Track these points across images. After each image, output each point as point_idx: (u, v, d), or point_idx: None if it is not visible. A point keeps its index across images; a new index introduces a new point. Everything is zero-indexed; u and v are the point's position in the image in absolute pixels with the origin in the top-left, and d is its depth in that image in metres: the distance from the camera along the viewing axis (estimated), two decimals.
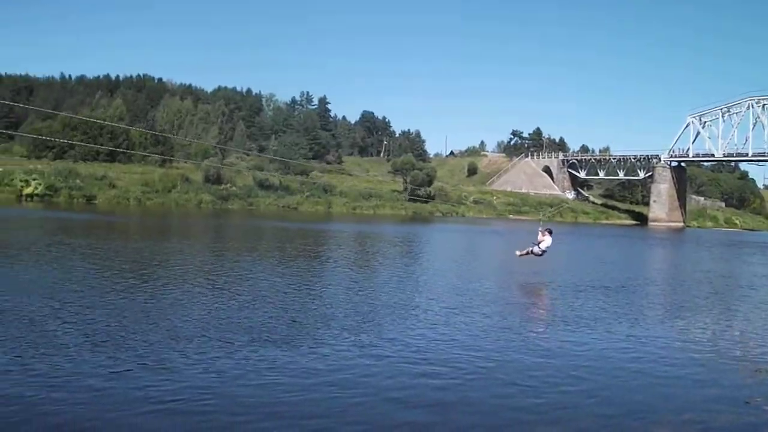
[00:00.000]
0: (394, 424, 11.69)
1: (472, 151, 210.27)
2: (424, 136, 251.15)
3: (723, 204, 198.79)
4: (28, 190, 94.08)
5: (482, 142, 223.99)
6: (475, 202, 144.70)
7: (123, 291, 23.35)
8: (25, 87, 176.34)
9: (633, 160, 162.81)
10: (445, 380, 14.35)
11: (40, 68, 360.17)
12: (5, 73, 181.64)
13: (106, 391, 12.45)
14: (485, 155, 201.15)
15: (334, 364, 15.12)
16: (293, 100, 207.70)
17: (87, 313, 18.98)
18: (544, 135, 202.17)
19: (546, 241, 29.93)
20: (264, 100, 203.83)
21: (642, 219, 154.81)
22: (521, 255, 31.27)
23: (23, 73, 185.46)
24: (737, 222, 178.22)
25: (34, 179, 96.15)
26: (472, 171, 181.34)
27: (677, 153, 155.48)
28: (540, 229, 30.47)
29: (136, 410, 11.66)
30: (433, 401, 12.96)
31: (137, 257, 34.66)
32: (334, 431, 11.28)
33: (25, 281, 24.43)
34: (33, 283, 23.89)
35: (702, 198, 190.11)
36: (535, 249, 30.25)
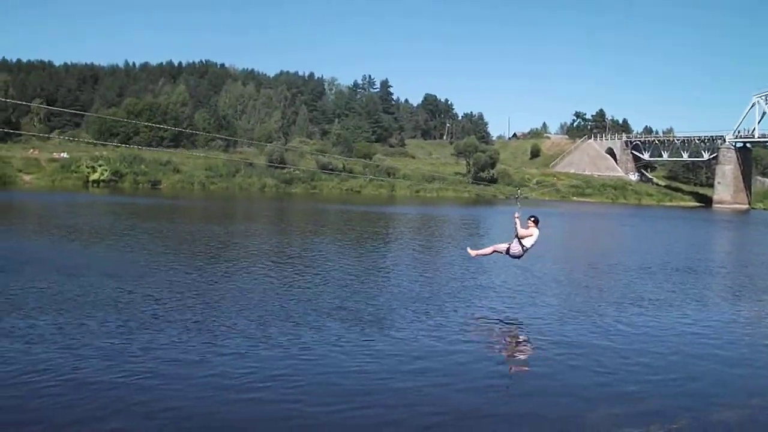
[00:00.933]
0: (475, 414, 11.37)
1: (534, 133, 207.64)
2: (486, 118, 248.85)
3: None
4: (94, 176, 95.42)
5: (545, 124, 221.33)
6: (538, 184, 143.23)
7: (202, 275, 23.64)
8: (90, 75, 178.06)
9: (697, 141, 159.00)
10: (518, 366, 14.35)
11: (105, 57, 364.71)
12: (71, 62, 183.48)
13: (198, 379, 12.31)
14: (548, 137, 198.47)
15: (416, 350, 14.94)
16: (355, 84, 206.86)
17: (172, 297, 19.24)
18: (607, 116, 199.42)
19: (532, 236, 19.12)
20: (326, 84, 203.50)
21: (706, 201, 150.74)
22: (478, 255, 20.86)
23: (88, 62, 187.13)
24: None
25: (100, 165, 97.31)
26: (535, 153, 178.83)
27: (742, 134, 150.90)
28: (517, 214, 18.89)
29: (225, 398, 11.49)
30: (512, 390, 12.80)
31: (210, 241, 35.02)
32: (419, 421, 10.93)
33: (109, 265, 24.78)
34: (117, 267, 24.27)
35: None
36: (514, 248, 19.17)
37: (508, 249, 19.32)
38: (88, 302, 17.86)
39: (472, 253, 20.62)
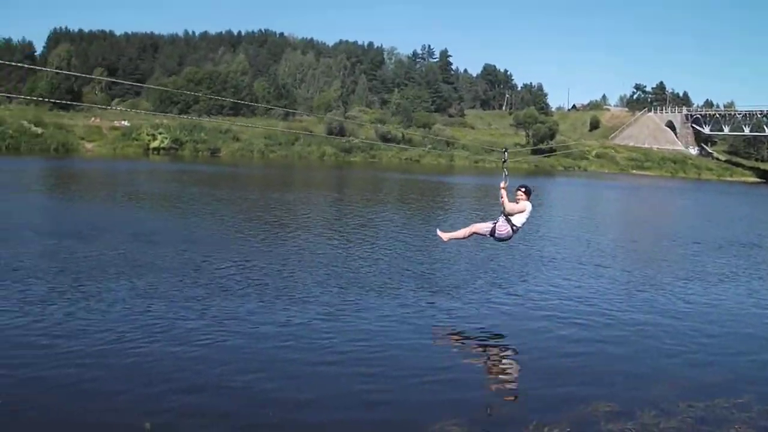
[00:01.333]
0: (543, 386, 11.45)
1: (594, 105, 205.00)
2: (546, 89, 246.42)
3: None
4: (154, 144, 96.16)
5: (604, 96, 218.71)
6: (597, 156, 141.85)
7: (272, 242, 24.30)
8: (150, 44, 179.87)
9: (759, 115, 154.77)
10: (584, 339, 14.21)
11: (165, 26, 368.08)
12: (131, 31, 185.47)
13: (274, 349, 12.47)
14: (607, 109, 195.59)
15: (488, 323, 15.11)
16: (414, 54, 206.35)
17: (244, 265, 19.56)
18: (667, 89, 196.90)
19: (523, 211, 15.11)
20: (385, 53, 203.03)
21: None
22: (452, 239, 16.49)
23: (148, 32, 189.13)
24: None
25: (160, 133, 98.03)
26: (594, 125, 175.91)
27: None
28: (503, 185, 15.09)
29: (303, 369, 11.57)
30: (578, 363, 12.74)
31: (275, 208, 35.53)
32: (487, 399, 11.02)
33: (180, 232, 25.45)
34: (188, 234, 24.94)
35: None
36: (501, 228, 15.15)
37: (493, 230, 15.24)
38: (162, 268, 18.21)
39: (444, 236, 16.23)
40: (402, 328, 14.01)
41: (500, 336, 13.93)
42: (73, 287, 15.65)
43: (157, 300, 14.89)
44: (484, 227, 15.39)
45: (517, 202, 14.98)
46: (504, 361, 12.49)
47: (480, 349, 13.12)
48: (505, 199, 14.86)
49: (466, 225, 16.41)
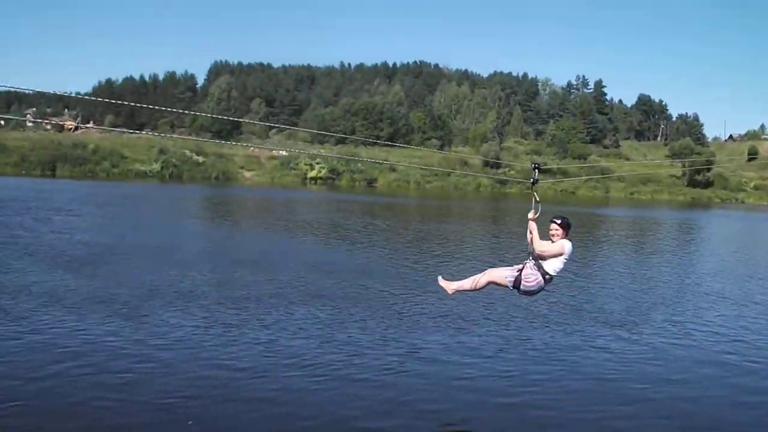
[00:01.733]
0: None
1: (751, 135, 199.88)
2: (701, 119, 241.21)
3: None
4: (312, 174, 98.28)
5: (762, 126, 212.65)
6: (756, 188, 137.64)
7: (441, 270, 23.86)
8: (307, 76, 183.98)
9: None
10: (745, 392, 13.13)
11: (321, 58, 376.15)
12: (289, 64, 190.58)
13: (453, 380, 12.35)
14: (766, 139, 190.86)
15: (665, 359, 14.64)
16: (569, 84, 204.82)
17: (421, 293, 19.61)
18: None
19: (562, 253, 10.97)
20: (540, 84, 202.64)
21: None
22: (458, 291, 11.99)
23: (305, 64, 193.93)
24: None
25: (317, 163, 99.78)
26: (752, 155, 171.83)
27: None
28: (532, 215, 11.10)
29: (480, 400, 11.45)
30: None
31: (438, 238, 35.98)
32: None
33: (350, 261, 25.94)
34: (359, 264, 25.28)
35: None
36: (528, 276, 11.03)
37: (518, 280, 11.14)
38: (336, 298, 18.37)
39: (449, 287, 11.87)
40: (572, 370, 13.49)
41: (671, 382, 13.18)
42: (254, 315, 15.90)
43: (336, 331, 14.91)
44: (504, 275, 11.38)
45: (552, 241, 11.05)
46: (673, 409, 11.74)
47: (651, 394, 12.41)
48: (535, 235, 10.99)
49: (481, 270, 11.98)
